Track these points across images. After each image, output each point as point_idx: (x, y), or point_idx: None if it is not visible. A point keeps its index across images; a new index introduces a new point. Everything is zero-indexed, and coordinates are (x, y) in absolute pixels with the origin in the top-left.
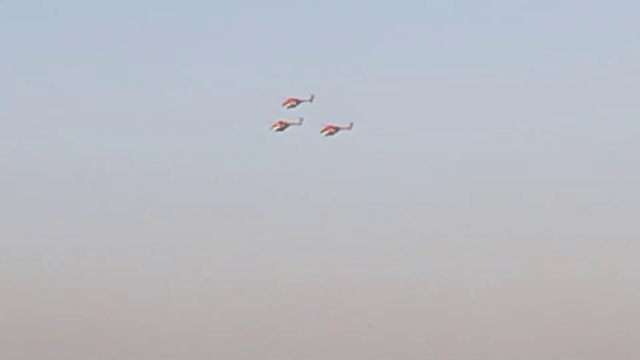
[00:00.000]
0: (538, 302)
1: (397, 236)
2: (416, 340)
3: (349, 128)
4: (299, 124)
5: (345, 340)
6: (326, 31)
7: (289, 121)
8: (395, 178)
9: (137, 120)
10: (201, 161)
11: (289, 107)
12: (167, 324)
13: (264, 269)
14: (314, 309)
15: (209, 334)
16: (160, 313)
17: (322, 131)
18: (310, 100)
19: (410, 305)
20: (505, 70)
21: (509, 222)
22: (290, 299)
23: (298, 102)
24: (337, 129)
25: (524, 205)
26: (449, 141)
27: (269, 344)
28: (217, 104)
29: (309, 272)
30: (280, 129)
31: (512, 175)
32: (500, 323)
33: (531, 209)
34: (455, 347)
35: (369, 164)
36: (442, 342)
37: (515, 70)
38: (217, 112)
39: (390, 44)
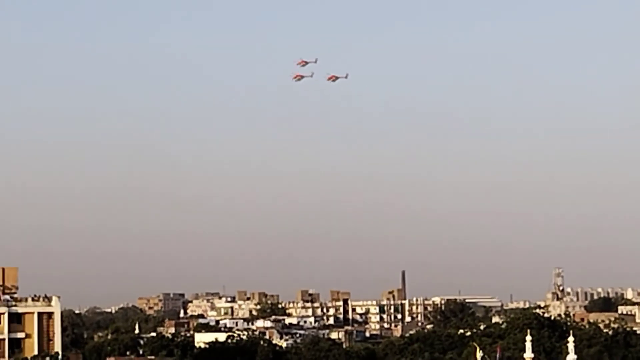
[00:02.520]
0: None
1: None
2: None
3: (346, 77)
4: (311, 76)
5: None
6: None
7: (304, 74)
8: None
9: None
10: None
11: (302, 66)
12: None
13: None
14: None
15: None
16: None
17: (328, 79)
18: (315, 62)
19: None
20: None
21: None
22: None
23: (306, 62)
24: (337, 78)
25: None
26: None
27: None
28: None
29: None
30: (299, 79)
31: None
32: None
33: None
34: None
35: None
36: None
37: None
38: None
39: None
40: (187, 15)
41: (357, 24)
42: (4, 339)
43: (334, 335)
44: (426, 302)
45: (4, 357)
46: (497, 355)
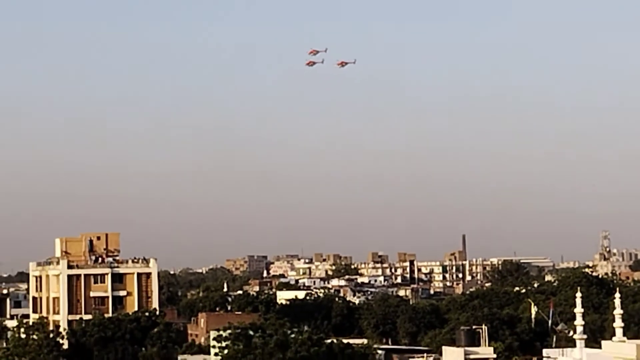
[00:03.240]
0: None
1: None
2: None
3: (354, 62)
4: (322, 62)
5: None
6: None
7: (316, 60)
8: None
9: None
10: None
11: (314, 55)
12: None
13: None
14: None
15: None
16: None
17: (338, 65)
18: (325, 51)
19: None
20: None
21: None
22: None
23: (317, 52)
24: (346, 63)
25: None
26: None
27: None
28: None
29: None
30: (311, 65)
31: None
32: None
33: None
34: None
35: None
36: None
37: None
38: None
39: None
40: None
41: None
42: (108, 297)
43: (401, 293)
44: (485, 262)
45: (108, 312)
46: (550, 310)
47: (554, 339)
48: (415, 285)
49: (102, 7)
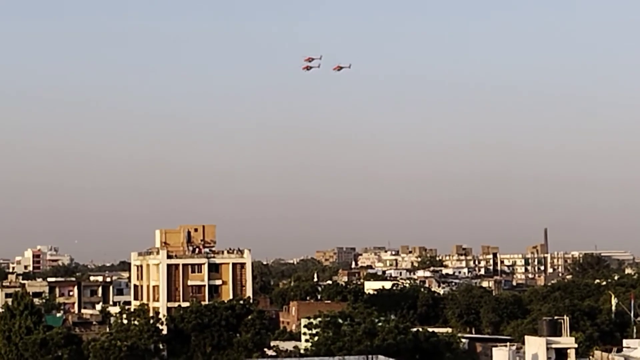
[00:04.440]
0: None
1: None
2: None
3: (349, 67)
4: (318, 67)
5: None
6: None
7: (312, 65)
8: None
9: None
10: None
11: (309, 62)
12: None
13: None
14: None
15: None
16: None
17: (334, 69)
18: (320, 58)
19: None
20: None
21: None
22: None
23: (312, 59)
24: (341, 68)
25: None
26: None
27: None
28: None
29: None
30: (308, 69)
31: None
32: None
33: None
34: None
35: None
36: None
37: None
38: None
39: None
40: None
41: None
42: (204, 285)
43: (484, 284)
44: (566, 255)
45: (204, 300)
46: (631, 302)
47: (635, 330)
48: (498, 277)
49: (185, 3)
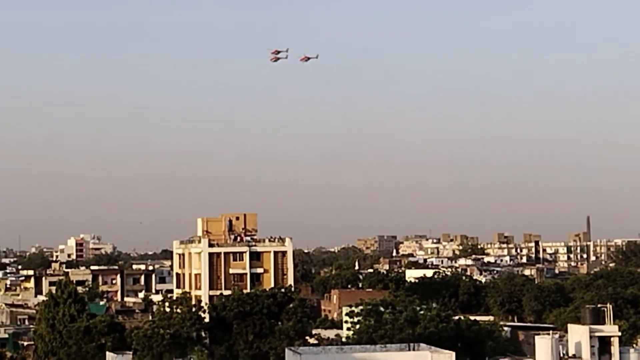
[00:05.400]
0: None
1: None
2: None
3: (316, 57)
4: (286, 57)
5: None
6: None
7: (280, 56)
8: None
9: None
10: None
11: (275, 54)
12: None
13: None
14: None
15: None
16: None
17: (301, 60)
18: (286, 51)
19: None
20: None
21: None
22: None
23: (279, 51)
24: (309, 58)
25: None
26: None
27: None
28: None
29: None
30: (275, 60)
31: None
32: None
33: None
34: None
35: None
36: None
37: None
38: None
39: None
40: None
41: None
42: (246, 274)
43: (526, 272)
44: (609, 243)
45: (246, 288)
46: None
47: None
48: (540, 265)
49: None
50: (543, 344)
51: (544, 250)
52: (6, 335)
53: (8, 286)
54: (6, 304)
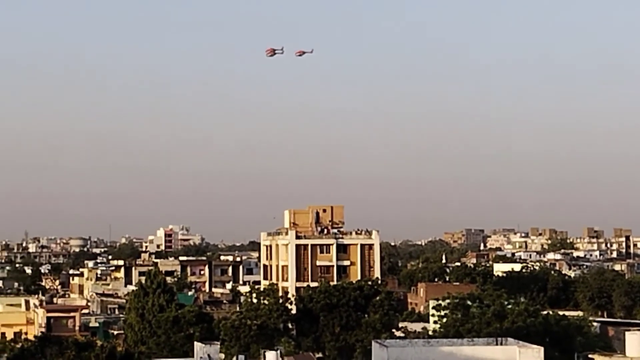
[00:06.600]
0: None
1: None
2: None
3: (311, 52)
4: (282, 52)
5: None
6: None
7: (276, 51)
8: None
9: None
10: None
11: (270, 53)
12: None
13: None
14: None
15: None
16: None
17: (296, 54)
18: (282, 49)
19: None
20: None
21: None
22: None
23: (274, 49)
24: (304, 53)
25: None
26: None
27: None
28: None
29: None
30: (271, 55)
31: None
32: None
33: None
34: None
35: None
36: None
37: None
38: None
39: None
40: None
41: None
42: (333, 266)
43: (617, 267)
44: None
45: (332, 280)
46: None
47: None
48: (630, 260)
49: None
50: (633, 340)
51: (635, 245)
52: (97, 324)
53: (99, 276)
54: (97, 294)
